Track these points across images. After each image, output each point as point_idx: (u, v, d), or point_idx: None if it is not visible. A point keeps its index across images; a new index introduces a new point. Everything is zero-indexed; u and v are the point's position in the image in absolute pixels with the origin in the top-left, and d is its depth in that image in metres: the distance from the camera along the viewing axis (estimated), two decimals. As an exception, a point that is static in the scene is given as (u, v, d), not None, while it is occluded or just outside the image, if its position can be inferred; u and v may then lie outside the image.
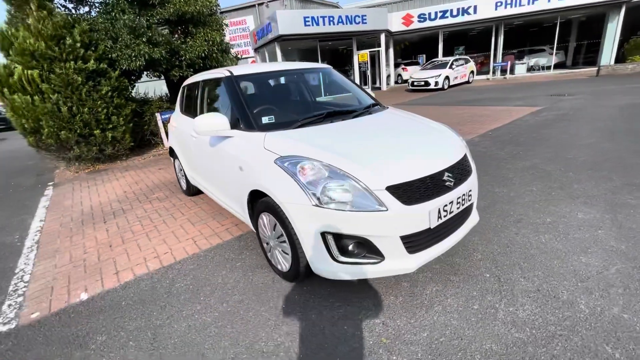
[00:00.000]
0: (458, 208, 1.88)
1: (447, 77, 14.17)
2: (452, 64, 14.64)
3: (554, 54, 17.16)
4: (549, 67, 17.26)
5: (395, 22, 17.31)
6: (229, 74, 2.60)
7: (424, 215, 1.70)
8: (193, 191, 3.83)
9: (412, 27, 17.32)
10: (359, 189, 1.65)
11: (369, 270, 1.72)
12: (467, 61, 15.77)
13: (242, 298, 2.00)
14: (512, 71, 17.30)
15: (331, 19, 14.67)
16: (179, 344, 1.69)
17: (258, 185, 1.98)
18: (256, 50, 18.55)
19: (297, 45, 17.54)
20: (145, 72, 7.56)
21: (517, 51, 18.19)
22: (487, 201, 3.01)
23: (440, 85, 13.89)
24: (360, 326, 1.69)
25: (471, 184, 1.99)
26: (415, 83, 14.55)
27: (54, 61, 5.59)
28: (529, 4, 14.99)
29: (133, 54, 6.07)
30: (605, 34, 15.32)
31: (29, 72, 5.45)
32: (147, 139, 7.40)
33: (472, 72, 16.06)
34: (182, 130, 3.45)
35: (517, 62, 17.51)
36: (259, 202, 2.07)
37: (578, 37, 18.82)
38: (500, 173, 3.70)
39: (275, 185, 1.84)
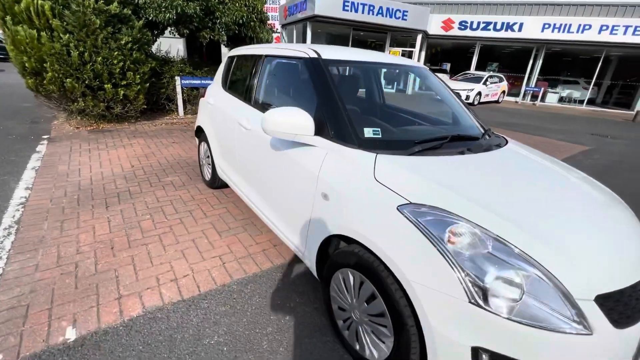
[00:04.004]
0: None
1: (479, 93, 13.47)
2: (486, 80, 13.92)
3: (590, 88, 16.49)
4: (581, 101, 16.64)
5: (434, 25, 16.40)
6: (315, 55, 1.88)
7: (633, 344, 1.08)
8: (218, 184, 3.16)
9: (450, 32, 16.44)
10: (550, 288, 1.02)
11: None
12: (501, 80, 15.04)
13: (304, 391, 1.39)
14: (542, 98, 16.65)
15: (371, 8, 13.75)
16: None
17: (353, 232, 1.33)
18: (284, 26, 17.52)
19: (328, 29, 16.56)
20: (170, 28, 6.71)
21: (552, 79, 17.49)
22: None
23: (470, 100, 13.19)
24: None
25: None
26: (445, 93, 13.79)
27: (71, -5, 4.76)
28: (578, 31, 14.21)
29: (164, 4, 5.24)
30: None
31: (40, 2, 4.62)
32: (162, 103, 6.62)
33: (503, 92, 15.38)
34: (223, 111, 2.74)
35: (550, 90, 16.86)
36: (339, 250, 1.43)
37: (614, 76, 18.12)
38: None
39: (397, 249, 1.19)
